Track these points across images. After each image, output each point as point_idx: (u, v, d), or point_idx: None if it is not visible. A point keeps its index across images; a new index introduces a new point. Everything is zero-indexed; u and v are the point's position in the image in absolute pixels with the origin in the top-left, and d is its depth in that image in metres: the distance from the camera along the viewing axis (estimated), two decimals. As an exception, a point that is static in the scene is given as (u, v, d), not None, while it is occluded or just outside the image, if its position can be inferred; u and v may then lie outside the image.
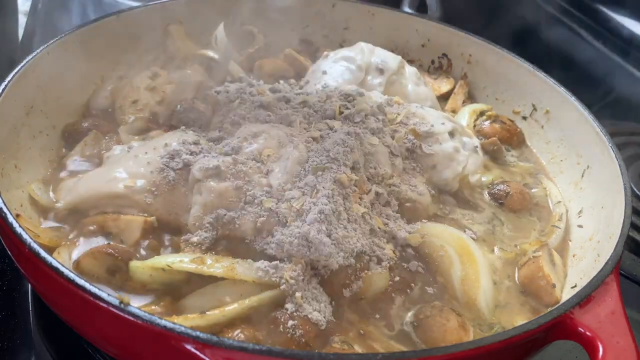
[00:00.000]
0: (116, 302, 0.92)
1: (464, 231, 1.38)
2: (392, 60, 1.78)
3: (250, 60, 1.86)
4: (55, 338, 1.28)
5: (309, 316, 1.11)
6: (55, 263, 0.97)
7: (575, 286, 1.28)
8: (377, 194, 1.31)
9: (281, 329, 1.07)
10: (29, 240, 1.01)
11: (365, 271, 1.20)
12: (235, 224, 1.18)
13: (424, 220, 1.37)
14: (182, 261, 1.14)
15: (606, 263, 1.14)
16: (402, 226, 1.32)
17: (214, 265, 1.12)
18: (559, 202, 1.55)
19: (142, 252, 1.21)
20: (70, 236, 1.25)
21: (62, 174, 1.40)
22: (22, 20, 2.35)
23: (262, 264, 1.13)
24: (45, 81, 1.47)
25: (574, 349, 1.24)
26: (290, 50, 1.91)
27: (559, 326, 1.04)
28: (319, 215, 1.14)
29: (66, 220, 1.28)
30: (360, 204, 1.25)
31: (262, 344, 1.04)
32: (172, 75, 1.68)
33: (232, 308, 1.09)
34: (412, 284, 1.25)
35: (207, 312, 1.08)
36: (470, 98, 1.93)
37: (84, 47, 1.59)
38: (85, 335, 1.13)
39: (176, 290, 1.15)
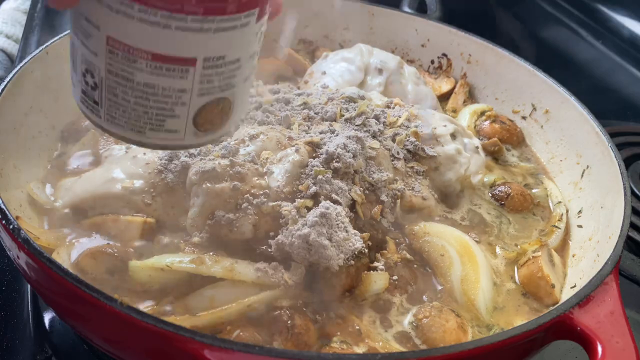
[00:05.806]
0: (115, 302, 0.92)
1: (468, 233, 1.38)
2: (391, 60, 1.78)
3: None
4: (55, 338, 1.28)
5: (309, 316, 1.11)
6: (55, 263, 0.97)
7: (574, 286, 1.28)
8: (379, 197, 1.30)
9: (281, 329, 1.07)
10: (28, 240, 1.01)
11: (365, 271, 1.21)
12: (234, 226, 1.17)
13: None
14: (182, 261, 1.14)
15: (606, 263, 1.14)
16: (403, 227, 1.32)
17: (213, 266, 1.12)
18: (560, 202, 1.55)
19: (142, 252, 1.21)
20: (70, 237, 1.24)
21: (61, 174, 1.40)
22: (22, 19, 2.35)
23: (262, 264, 1.13)
24: (44, 81, 1.46)
25: (574, 349, 1.24)
26: (290, 50, 1.91)
27: (559, 326, 1.04)
28: (320, 218, 1.13)
29: (65, 220, 1.28)
30: (361, 208, 1.25)
31: (262, 344, 1.04)
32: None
33: (232, 308, 1.09)
34: (412, 284, 1.25)
35: (207, 312, 1.08)
36: (471, 98, 1.93)
37: (83, 47, 1.59)
38: (85, 335, 1.13)
39: (175, 290, 1.15)
